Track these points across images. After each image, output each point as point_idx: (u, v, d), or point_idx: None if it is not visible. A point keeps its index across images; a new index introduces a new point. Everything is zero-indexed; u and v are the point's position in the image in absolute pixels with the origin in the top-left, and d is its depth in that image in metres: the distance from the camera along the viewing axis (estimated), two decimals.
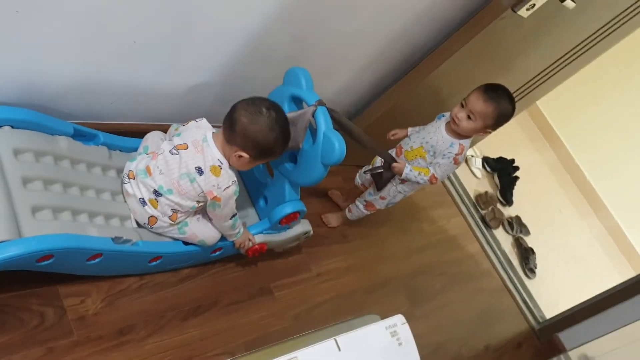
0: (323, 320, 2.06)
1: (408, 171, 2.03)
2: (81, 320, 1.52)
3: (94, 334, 1.52)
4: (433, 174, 2.03)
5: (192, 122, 1.61)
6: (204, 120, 1.59)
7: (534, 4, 1.93)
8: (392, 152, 2.15)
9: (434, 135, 2.03)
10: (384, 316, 1.45)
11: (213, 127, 1.59)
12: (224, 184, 1.53)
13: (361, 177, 2.34)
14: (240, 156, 1.51)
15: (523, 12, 1.95)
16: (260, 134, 1.48)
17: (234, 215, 1.65)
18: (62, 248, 1.33)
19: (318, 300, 2.12)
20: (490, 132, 1.97)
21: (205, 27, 1.62)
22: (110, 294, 1.60)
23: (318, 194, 2.47)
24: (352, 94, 2.38)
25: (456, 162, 2.04)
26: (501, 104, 1.88)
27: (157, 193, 1.56)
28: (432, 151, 2.03)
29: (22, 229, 1.32)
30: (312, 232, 2.01)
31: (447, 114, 2.05)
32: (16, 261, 1.27)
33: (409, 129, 2.17)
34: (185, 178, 1.53)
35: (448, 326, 2.54)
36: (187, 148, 1.54)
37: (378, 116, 2.42)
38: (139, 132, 1.77)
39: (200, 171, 1.52)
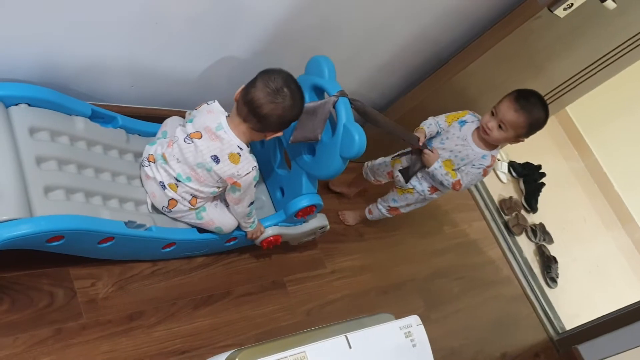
0: (335, 317, 2.03)
1: (437, 166, 1.92)
2: (91, 303, 1.50)
3: (103, 317, 1.50)
4: (459, 180, 1.94)
5: (204, 106, 1.56)
6: (216, 103, 1.55)
7: (572, 4, 1.86)
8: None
9: (463, 149, 1.93)
10: (398, 317, 1.41)
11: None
12: (244, 171, 1.51)
13: (372, 172, 2.25)
14: (274, 136, 1.56)
15: (560, 11, 1.89)
16: (293, 114, 1.51)
17: (251, 203, 1.63)
18: (72, 229, 1.31)
19: (331, 297, 2.09)
20: (522, 141, 1.90)
21: (228, 10, 1.59)
22: (121, 278, 1.59)
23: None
24: (376, 89, 2.34)
25: (485, 174, 1.97)
26: (533, 112, 1.80)
27: (176, 180, 1.54)
28: (461, 164, 1.95)
29: (34, 208, 1.30)
30: (328, 227, 1.98)
31: (469, 120, 1.96)
32: (26, 240, 1.25)
33: (426, 129, 1.97)
34: (201, 167, 1.51)
35: (464, 331, 2.49)
36: (201, 137, 1.50)
37: (403, 113, 2.37)
38: (158, 117, 1.75)
39: (216, 159, 1.49)
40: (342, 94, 1.58)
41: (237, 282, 1.83)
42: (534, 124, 1.82)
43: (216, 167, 1.49)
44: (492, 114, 1.85)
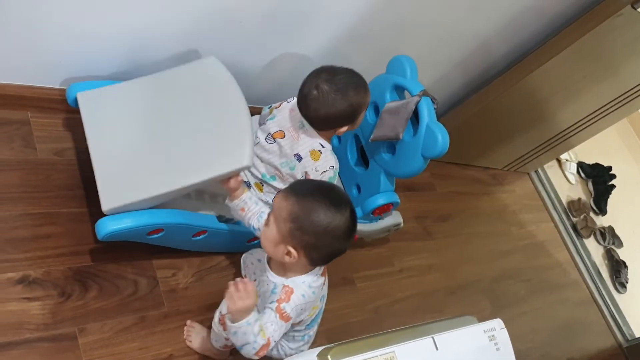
0: (403, 316, 2.03)
1: None
2: (172, 293, 1.55)
3: (183, 307, 1.54)
4: None
5: (285, 104, 1.58)
6: (295, 99, 1.54)
7: None
8: None
9: None
10: None
11: None
12: (322, 168, 1.53)
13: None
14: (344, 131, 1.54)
15: None
16: (333, 110, 1.46)
17: None
18: (172, 223, 1.37)
19: (399, 295, 2.08)
20: None
21: (307, 8, 1.61)
22: (201, 269, 1.63)
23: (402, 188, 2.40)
24: (449, 87, 2.31)
25: None
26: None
27: (261, 180, 1.58)
28: None
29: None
30: (402, 225, 1.98)
31: None
32: (129, 233, 1.33)
33: None
34: (285, 166, 1.54)
35: (530, 334, 2.44)
36: (284, 136, 1.53)
37: (472, 114, 2.34)
38: None
39: (299, 157, 1.52)
40: (425, 93, 1.57)
41: None
42: None
43: (299, 165, 1.52)
44: None
